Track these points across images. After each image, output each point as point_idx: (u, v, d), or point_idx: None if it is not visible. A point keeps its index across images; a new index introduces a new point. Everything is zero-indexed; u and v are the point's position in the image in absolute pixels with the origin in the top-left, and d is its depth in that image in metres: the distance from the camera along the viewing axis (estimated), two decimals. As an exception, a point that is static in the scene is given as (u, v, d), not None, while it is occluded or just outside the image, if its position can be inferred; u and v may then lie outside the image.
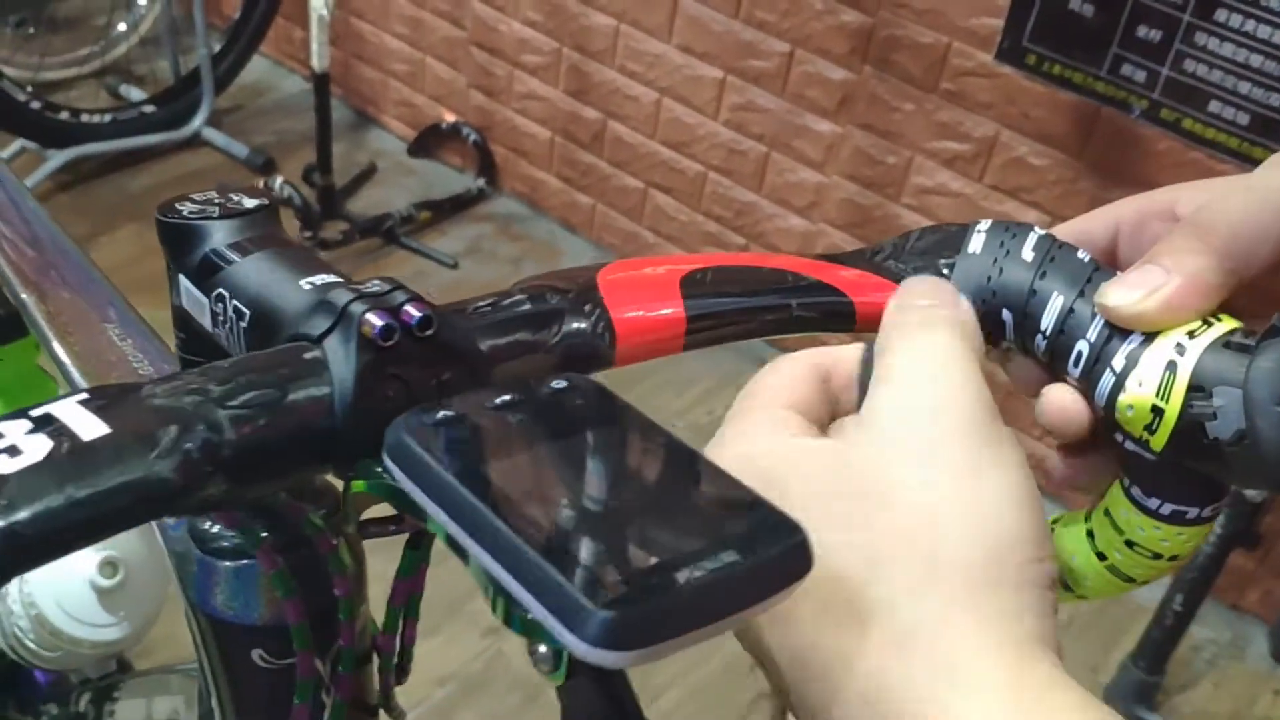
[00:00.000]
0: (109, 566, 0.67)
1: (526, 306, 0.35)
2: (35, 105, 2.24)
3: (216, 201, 0.38)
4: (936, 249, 0.42)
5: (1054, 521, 0.44)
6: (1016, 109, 1.72)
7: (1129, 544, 0.41)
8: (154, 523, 0.41)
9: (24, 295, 0.57)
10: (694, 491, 0.28)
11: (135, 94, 2.54)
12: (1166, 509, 0.39)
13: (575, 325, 0.35)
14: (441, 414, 0.29)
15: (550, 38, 2.22)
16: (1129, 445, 0.38)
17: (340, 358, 0.31)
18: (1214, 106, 1.48)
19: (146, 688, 0.68)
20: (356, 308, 0.31)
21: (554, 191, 2.38)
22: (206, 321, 0.36)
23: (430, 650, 1.63)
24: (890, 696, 0.29)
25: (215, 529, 0.40)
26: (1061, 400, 0.39)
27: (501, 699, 1.53)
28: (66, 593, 0.67)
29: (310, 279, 0.34)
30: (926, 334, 0.36)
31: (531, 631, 0.26)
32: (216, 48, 2.47)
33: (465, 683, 1.54)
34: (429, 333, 0.31)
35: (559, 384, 0.31)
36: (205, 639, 0.41)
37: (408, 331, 0.31)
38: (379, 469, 0.30)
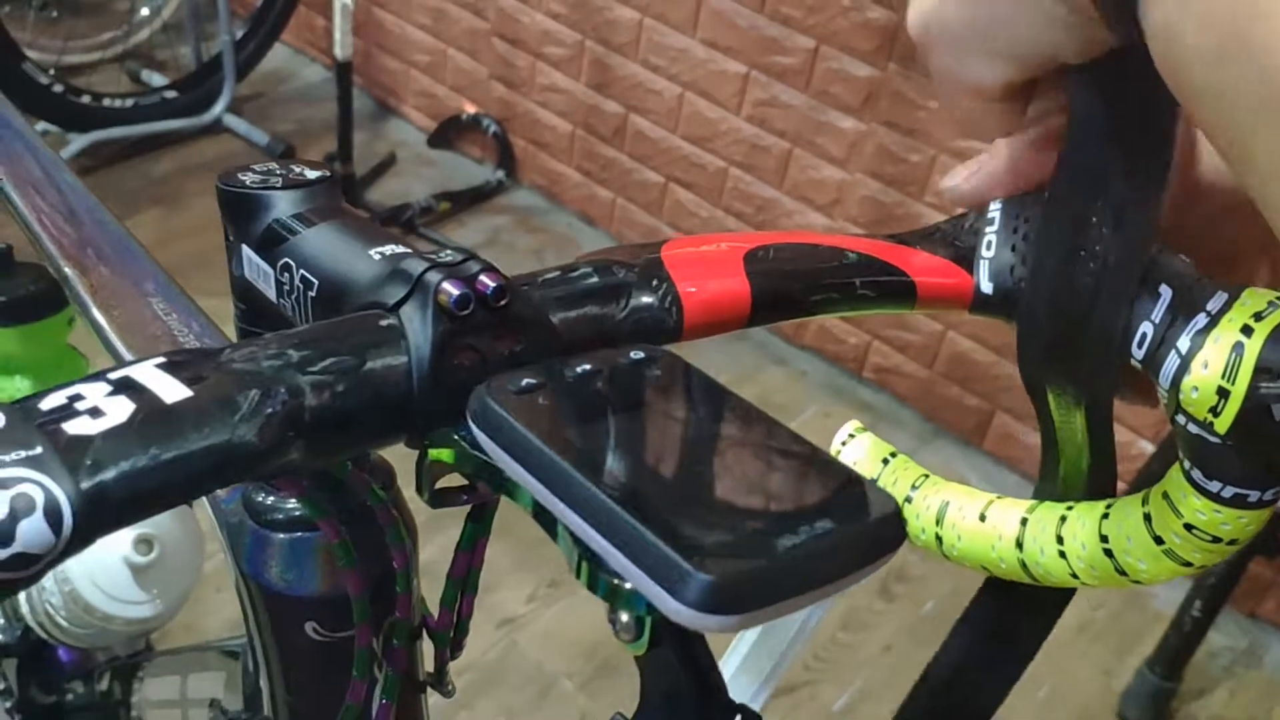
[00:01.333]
0: (144, 544, 0.66)
1: (594, 279, 0.35)
2: (58, 89, 2.24)
3: (279, 173, 0.38)
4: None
5: (1107, 506, 0.44)
6: (1043, 109, 1.71)
7: (1188, 527, 0.40)
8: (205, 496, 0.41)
9: (66, 269, 0.57)
10: (783, 462, 0.28)
11: (157, 79, 2.55)
12: (1228, 492, 0.39)
13: (643, 299, 0.35)
14: (526, 380, 0.29)
15: (573, 30, 2.22)
16: (1192, 428, 0.38)
17: (416, 326, 0.30)
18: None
19: (179, 665, 0.68)
20: (432, 277, 0.31)
21: (574, 185, 2.38)
22: (270, 291, 0.36)
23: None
24: None
25: (270, 500, 0.40)
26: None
27: (519, 691, 1.53)
28: (101, 569, 0.67)
29: (380, 249, 0.33)
30: None
31: (617, 597, 0.25)
32: (239, 34, 2.47)
33: (482, 673, 1.54)
34: (503, 303, 0.31)
35: (637, 354, 0.31)
36: (257, 612, 0.41)
37: (482, 301, 0.31)
38: (457, 436, 0.30)
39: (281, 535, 0.39)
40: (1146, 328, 0.38)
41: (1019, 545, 0.45)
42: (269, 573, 0.40)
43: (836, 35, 1.89)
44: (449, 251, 0.32)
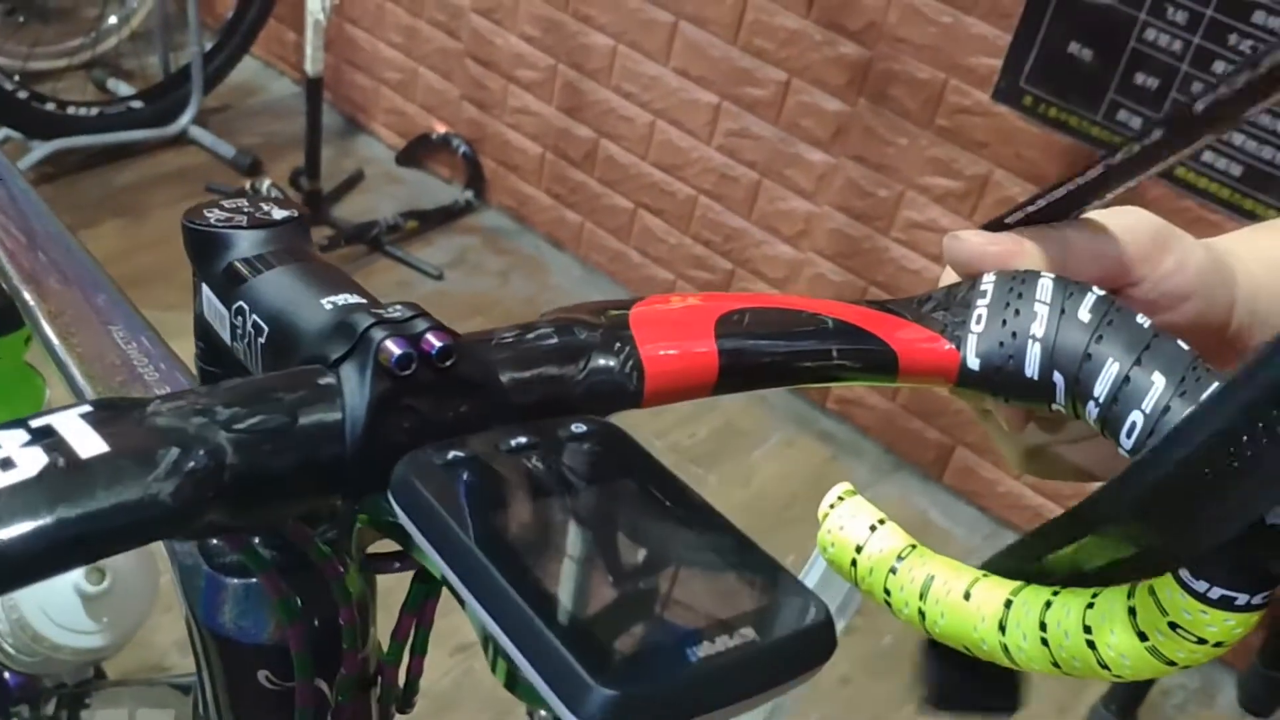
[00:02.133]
0: (96, 573, 0.65)
1: (553, 340, 0.33)
2: (22, 94, 2.21)
3: (245, 210, 0.37)
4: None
5: (1093, 595, 0.42)
6: (1010, 149, 1.73)
7: (1173, 626, 0.38)
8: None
9: (25, 294, 0.56)
10: (715, 558, 0.26)
11: (123, 89, 2.52)
12: (1215, 593, 0.37)
13: (603, 362, 0.34)
14: (452, 454, 0.28)
15: (547, 54, 2.22)
16: None
17: (354, 385, 0.29)
18: (1207, 156, 1.49)
19: (129, 698, 0.66)
20: (376, 333, 0.29)
21: (543, 207, 2.38)
22: (226, 334, 0.35)
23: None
24: None
25: (226, 545, 0.39)
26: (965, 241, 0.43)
27: (473, 718, 1.52)
28: (51, 597, 0.65)
29: (332, 298, 0.32)
30: None
31: (532, 699, 0.24)
32: (208, 46, 2.45)
33: (435, 701, 1.52)
34: (448, 363, 0.30)
35: (579, 428, 0.30)
36: (209, 656, 0.40)
37: (426, 361, 0.29)
38: (386, 504, 0.28)
39: (235, 580, 0.38)
40: (1137, 417, 0.37)
41: (1001, 628, 0.43)
42: (221, 617, 0.39)
43: (808, 69, 1.90)
44: (398, 306, 0.31)
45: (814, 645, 0.24)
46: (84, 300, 0.56)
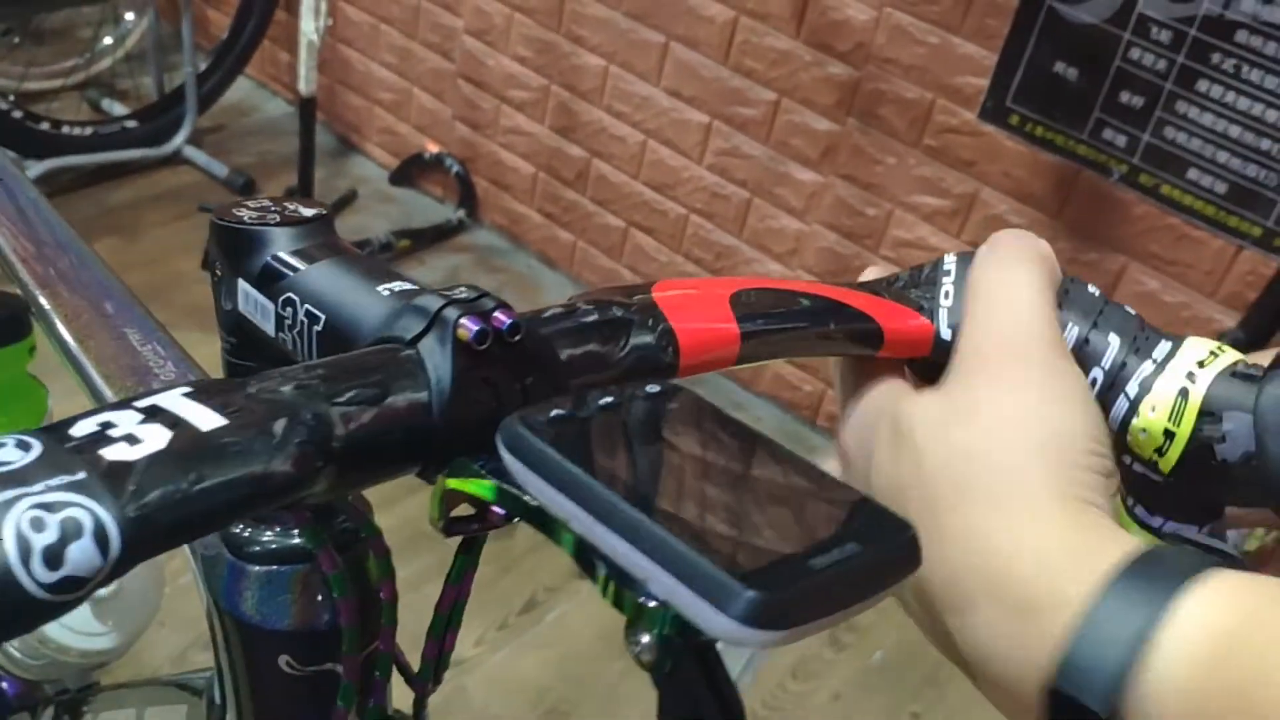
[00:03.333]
0: (104, 574, 0.65)
1: (595, 318, 0.36)
2: (16, 114, 2.22)
3: (274, 209, 0.38)
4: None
5: None
6: (997, 168, 1.75)
7: None
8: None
9: (41, 299, 0.57)
10: (804, 489, 0.29)
11: (117, 108, 2.53)
12: (1169, 528, 0.42)
13: (643, 338, 0.36)
14: (555, 412, 0.30)
15: (539, 74, 2.24)
16: (1137, 467, 0.41)
17: (436, 360, 0.31)
18: (1192, 174, 1.52)
19: (135, 698, 0.67)
20: (450, 312, 0.32)
21: (535, 226, 2.39)
22: (268, 325, 0.36)
23: (399, 684, 1.61)
24: (975, 533, 0.35)
25: (248, 532, 0.40)
26: None
27: (466, 732, 1.52)
28: (59, 599, 0.65)
29: (388, 285, 0.34)
30: (1009, 271, 0.41)
31: (642, 617, 0.26)
32: (202, 66, 2.47)
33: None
34: (516, 338, 0.32)
35: (653, 388, 0.32)
36: (230, 644, 0.41)
37: (498, 337, 0.32)
38: (476, 466, 0.31)
39: (258, 567, 0.40)
40: (1097, 373, 0.41)
41: None
42: (244, 605, 0.40)
43: (798, 89, 1.93)
44: (462, 288, 0.33)
45: (906, 555, 0.27)
46: (98, 304, 0.57)
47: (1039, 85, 1.60)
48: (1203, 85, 1.47)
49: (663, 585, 0.26)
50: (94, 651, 0.68)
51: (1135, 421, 0.40)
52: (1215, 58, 1.44)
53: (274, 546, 0.40)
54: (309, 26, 2.06)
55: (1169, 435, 0.39)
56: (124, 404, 0.26)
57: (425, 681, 0.41)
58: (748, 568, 0.25)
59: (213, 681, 0.45)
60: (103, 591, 0.68)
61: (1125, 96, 1.53)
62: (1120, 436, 0.40)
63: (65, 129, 2.30)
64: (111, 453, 0.25)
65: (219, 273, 0.39)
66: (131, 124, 2.41)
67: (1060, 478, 0.35)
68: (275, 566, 0.39)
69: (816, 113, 1.92)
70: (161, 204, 2.36)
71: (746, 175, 2.04)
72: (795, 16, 1.88)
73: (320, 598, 0.40)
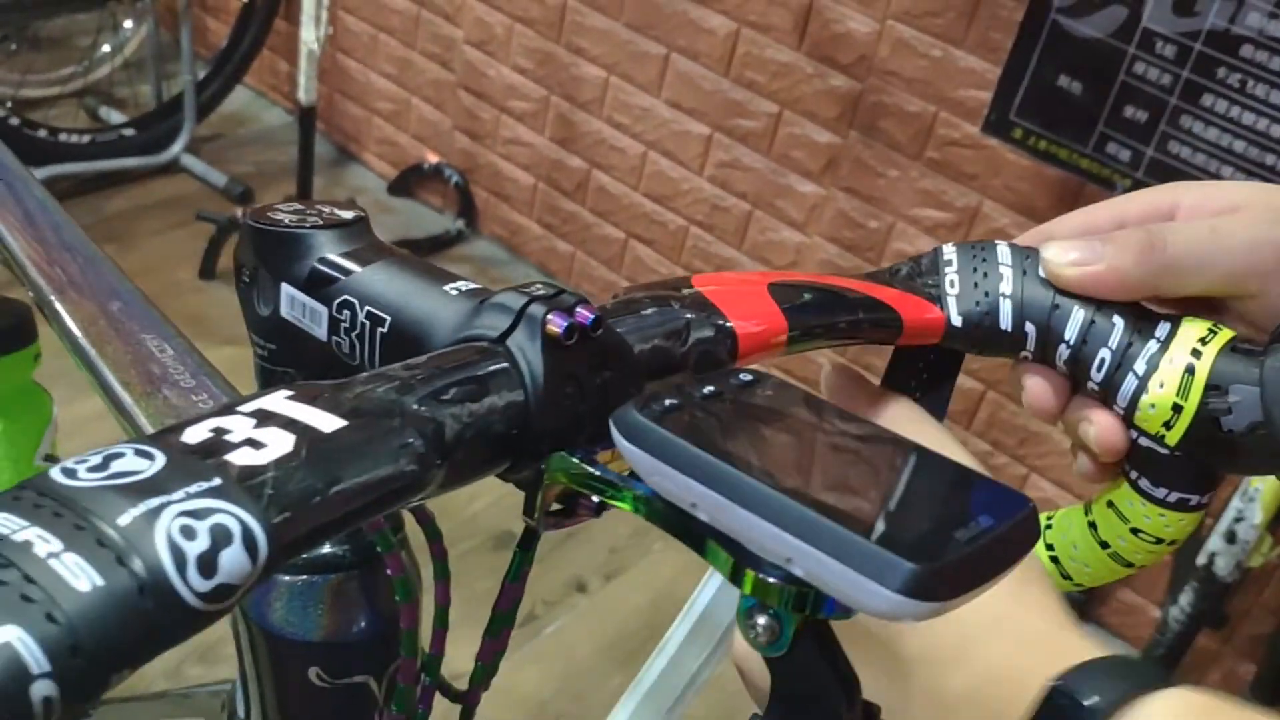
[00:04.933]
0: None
1: (655, 312, 0.36)
2: (14, 121, 2.22)
3: (310, 212, 0.38)
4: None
5: (1049, 518, 0.49)
6: (1000, 181, 1.75)
7: (1134, 531, 0.46)
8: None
9: (56, 304, 0.56)
10: (922, 467, 0.29)
11: (115, 116, 2.53)
12: (1173, 497, 0.44)
13: (703, 333, 0.37)
14: (668, 401, 0.30)
15: (539, 85, 2.24)
16: (1143, 441, 0.43)
17: (529, 356, 0.31)
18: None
19: (150, 712, 0.66)
20: (537, 309, 0.32)
21: (534, 237, 2.39)
22: (320, 330, 0.36)
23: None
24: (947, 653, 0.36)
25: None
26: (1034, 384, 0.45)
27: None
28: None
29: (453, 285, 0.34)
30: None
31: (768, 594, 0.27)
32: (201, 75, 2.46)
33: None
34: (599, 333, 0.32)
35: (745, 376, 0.32)
36: (257, 656, 0.40)
37: (583, 332, 0.32)
38: (576, 459, 0.31)
39: (288, 578, 0.39)
40: (1105, 353, 0.43)
41: None
42: (273, 616, 0.39)
43: (799, 101, 1.93)
44: (539, 285, 0.33)
45: (1030, 528, 0.28)
46: (110, 308, 0.57)
47: (1043, 99, 1.60)
48: (1208, 100, 1.47)
49: (809, 562, 0.25)
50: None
51: (1144, 397, 0.42)
52: (1220, 72, 1.45)
53: (305, 556, 0.39)
54: (309, 35, 2.05)
55: (1177, 409, 0.42)
56: (226, 409, 0.26)
57: (479, 686, 0.40)
58: (900, 541, 0.25)
59: (234, 695, 0.45)
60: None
61: (1130, 110, 1.53)
62: (1130, 413, 0.43)
63: (63, 136, 2.29)
64: (238, 457, 0.24)
65: (249, 278, 0.38)
66: (129, 132, 2.41)
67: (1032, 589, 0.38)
68: (307, 576, 0.39)
69: (818, 125, 1.92)
70: (159, 213, 2.35)
71: (747, 187, 2.04)
72: (797, 29, 1.89)
73: (353, 607, 0.39)
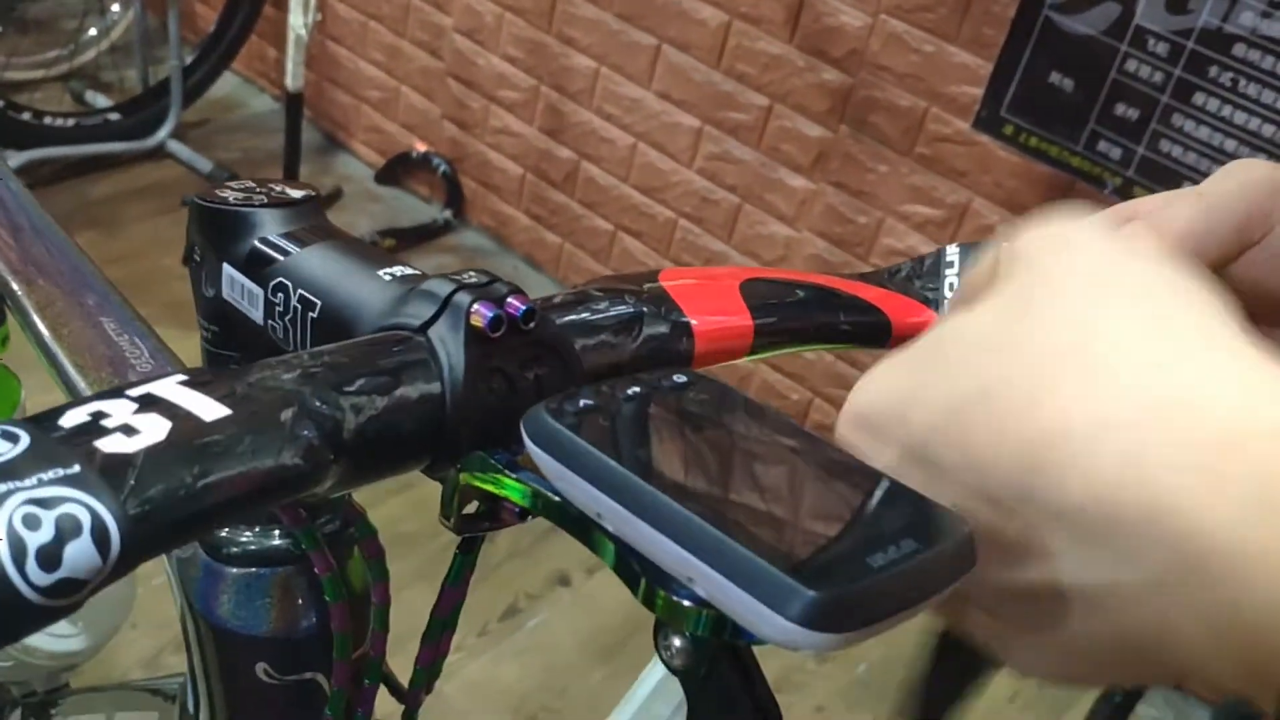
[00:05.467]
0: (74, 573, 0.63)
1: (608, 306, 0.35)
2: (-2, 104, 2.19)
3: (259, 191, 0.36)
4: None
5: None
6: (990, 178, 1.74)
7: None
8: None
9: (13, 285, 0.55)
10: (851, 483, 0.27)
11: (101, 101, 2.50)
12: None
13: (657, 329, 0.35)
14: (583, 402, 0.28)
15: (529, 75, 2.22)
16: None
17: (449, 348, 0.30)
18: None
19: (105, 703, 0.64)
20: (463, 298, 0.30)
21: (522, 228, 2.37)
22: (257, 313, 0.34)
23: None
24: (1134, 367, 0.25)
25: (225, 532, 0.38)
26: None
27: (444, 739, 1.50)
28: (27, 598, 0.63)
29: (389, 270, 0.32)
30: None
31: (678, 617, 0.25)
32: (188, 60, 2.44)
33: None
34: (531, 326, 0.30)
35: (678, 378, 0.30)
36: (204, 650, 0.39)
37: (512, 324, 0.30)
38: (494, 460, 0.29)
39: (236, 570, 0.38)
40: None
41: None
42: (220, 609, 0.38)
43: (790, 95, 1.91)
44: (472, 273, 0.31)
45: (963, 553, 0.25)
46: (74, 293, 0.55)
47: (1034, 96, 1.59)
48: (1199, 98, 1.46)
49: (711, 585, 0.24)
50: (63, 653, 0.66)
51: None
52: (1213, 71, 1.44)
53: (253, 548, 0.38)
54: (297, 21, 2.03)
55: None
56: (115, 392, 0.24)
57: (419, 689, 0.39)
58: (805, 566, 0.23)
59: (185, 688, 0.43)
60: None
61: (1121, 109, 1.52)
62: None
63: (47, 120, 2.27)
64: (107, 444, 0.22)
65: (199, 258, 0.37)
66: (115, 117, 2.38)
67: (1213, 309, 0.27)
68: (254, 569, 0.37)
69: (808, 119, 1.91)
70: (143, 198, 2.33)
71: (737, 180, 2.03)
72: (789, 21, 1.87)
73: (301, 602, 0.37)
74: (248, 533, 0.38)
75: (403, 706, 0.42)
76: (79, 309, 0.53)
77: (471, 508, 0.31)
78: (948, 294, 0.43)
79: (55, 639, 0.65)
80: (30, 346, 0.54)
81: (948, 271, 0.44)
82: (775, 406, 0.30)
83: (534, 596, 1.71)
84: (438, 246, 2.39)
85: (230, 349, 0.37)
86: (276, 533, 0.37)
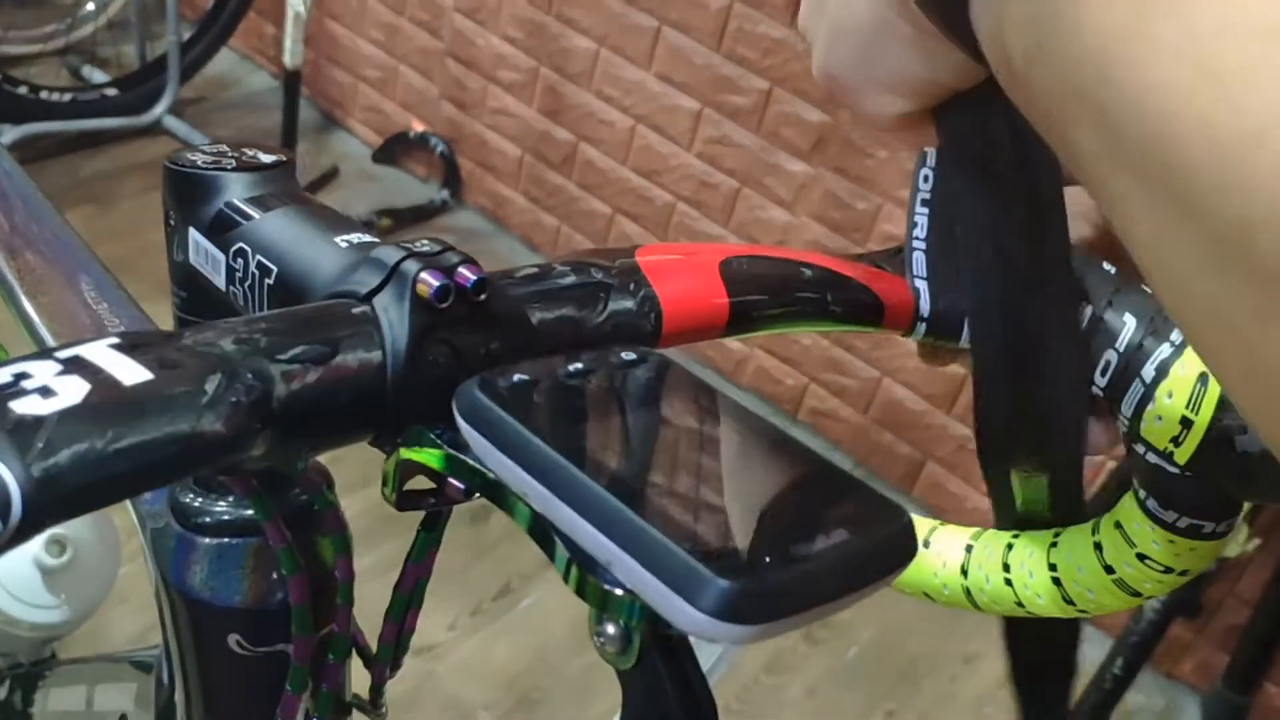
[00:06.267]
0: (56, 545, 0.63)
1: (572, 279, 0.34)
2: (-7, 77, 2.18)
3: (231, 155, 0.36)
4: None
5: (1055, 535, 0.44)
6: (989, 164, 1.73)
7: (1140, 557, 0.40)
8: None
9: (-5, 252, 0.55)
10: (790, 470, 0.27)
11: (98, 76, 2.49)
12: (1183, 523, 0.39)
13: (622, 304, 0.34)
14: (518, 377, 0.28)
15: (529, 56, 2.21)
16: (1151, 457, 0.38)
17: (392, 317, 0.29)
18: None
19: (86, 675, 0.64)
20: (410, 266, 0.29)
21: (520, 209, 2.36)
22: (219, 278, 0.34)
23: (360, 670, 1.58)
24: None
25: (199, 502, 0.38)
26: None
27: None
28: (8, 569, 0.63)
29: (346, 236, 0.32)
30: None
31: (608, 606, 0.24)
32: (186, 36, 2.43)
33: (397, 703, 1.50)
34: (481, 297, 0.30)
35: (627, 355, 0.30)
36: (177, 621, 0.39)
37: (461, 294, 0.29)
38: (433, 435, 0.28)
39: (208, 540, 0.37)
40: (1111, 355, 0.38)
41: (964, 572, 0.45)
42: (192, 580, 0.37)
43: (790, 79, 1.90)
44: (424, 241, 0.30)
45: (902, 546, 0.25)
46: (53, 259, 0.55)
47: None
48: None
49: (628, 571, 0.23)
50: (45, 624, 0.66)
51: (1150, 408, 0.37)
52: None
53: (226, 518, 0.37)
54: (296, -2, 2.02)
55: (1186, 424, 0.36)
56: (45, 354, 0.24)
57: (384, 665, 0.38)
58: (721, 555, 0.22)
59: (161, 660, 0.43)
60: (54, 562, 0.65)
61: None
62: (1134, 423, 0.38)
63: (44, 94, 2.26)
64: (21, 406, 0.22)
65: (171, 222, 0.36)
66: (112, 92, 2.37)
67: None
68: (226, 539, 0.37)
69: (809, 103, 1.90)
70: (139, 174, 2.32)
71: (735, 164, 2.02)
72: (790, 4, 1.86)
73: (274, 574, 0.37)
74: (221, 503, 0.37)
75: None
76: (57, 276, 0.53)
77: (423, 483, 0.31)
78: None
79: (37, 610, 0.65)
80: (9, 314, 0.53)
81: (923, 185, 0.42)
82: (723, 390, 0.29)
83: (527, 576, 1.71)
84: (434, 227, 2.38)
85: (198, 315, 0.36)
86: (249, 503, 0.37)
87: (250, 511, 0.37)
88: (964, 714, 1.67)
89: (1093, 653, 1.65)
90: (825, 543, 0.23)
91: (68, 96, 2.30)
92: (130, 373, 0.24)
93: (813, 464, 0.27)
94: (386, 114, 2.51)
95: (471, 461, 0.28)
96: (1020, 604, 0.44)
